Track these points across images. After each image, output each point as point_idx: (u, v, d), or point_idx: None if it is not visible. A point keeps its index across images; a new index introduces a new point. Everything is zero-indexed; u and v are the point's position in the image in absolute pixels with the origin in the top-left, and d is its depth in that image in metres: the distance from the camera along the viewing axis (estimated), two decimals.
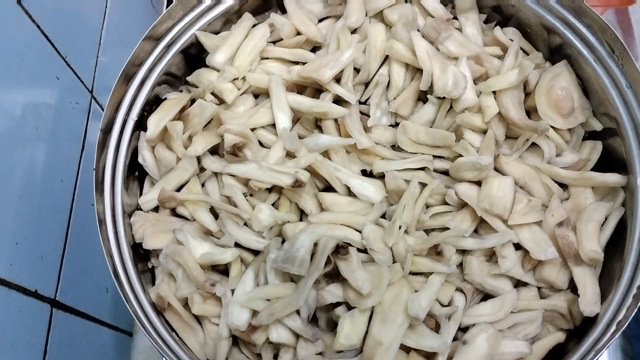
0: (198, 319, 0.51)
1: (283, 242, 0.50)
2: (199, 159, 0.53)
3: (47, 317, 0.52)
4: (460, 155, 0.51)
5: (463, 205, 0.51)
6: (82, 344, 0.58)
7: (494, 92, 0.53)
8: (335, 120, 0.53)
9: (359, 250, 0.48)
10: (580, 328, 0.50)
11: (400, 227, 0.48)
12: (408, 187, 0.50)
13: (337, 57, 0.53)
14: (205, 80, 0.55)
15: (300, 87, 0.55)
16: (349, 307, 0.47)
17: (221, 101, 0.55)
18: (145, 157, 0.53)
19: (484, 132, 0.52)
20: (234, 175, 0.52)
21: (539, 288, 0.51)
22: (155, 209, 0.54)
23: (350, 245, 0.46)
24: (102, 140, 0.51)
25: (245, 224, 0.51)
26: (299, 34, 0.56)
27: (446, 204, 0.52)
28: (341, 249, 0.46)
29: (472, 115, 0.52)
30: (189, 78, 0.57)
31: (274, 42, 0.57)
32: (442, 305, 0.48)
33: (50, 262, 0.53)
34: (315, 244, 0.47)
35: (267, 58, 0.57)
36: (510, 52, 0.53)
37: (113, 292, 0.65)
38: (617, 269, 0.49)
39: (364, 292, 0.45)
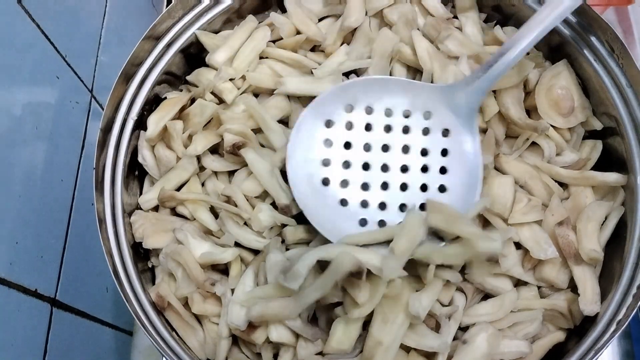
0: (198, 318, 0.51)
1: (283, 241, 0.50)
2: (199, 158, 0.53)
3: (47, 316, 0.52)
4: None
5: None
6: (82, 343, 0.58)
7: (494, 92, 0.53)
8: None
9: None
10: (580, 327, 0.50)
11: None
12: None
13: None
14: (205, 80, 0.55)
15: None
16: None
17: (221, 100, 0.55)
18: (145, 157, 0.53)
19: (484, 131, 0.52)
20: (231, 173, 0.53)
21: (538, 287, 0.51)
22: (155, 209, 0.54)
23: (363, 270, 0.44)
24: (102, 140, 0.51)
25: (245, 223, 0.51)
26: (298, 33, 0.56)
27: None
28: (355, 273, 0.44)
29: None
30: (188, 77, 0.57)
31: (273, 41, 0.57)
32: (443, 305, 0.48)
33: (50, 262, 0.53)
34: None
35: (266, 57, 0.57)
36: None
37: (113, 291, 0.65)
38: (617, 268, 0.49)
39: (359, 301, 0.44)
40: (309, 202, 0.46)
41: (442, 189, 0.47)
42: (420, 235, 0.44)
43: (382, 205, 0.47)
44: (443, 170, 0.47)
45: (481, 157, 0.46)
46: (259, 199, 0.51)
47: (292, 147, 0.47)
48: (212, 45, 0.56)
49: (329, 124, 0.47)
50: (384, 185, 0.47)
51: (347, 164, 0.47)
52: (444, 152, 0.47)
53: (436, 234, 0.45)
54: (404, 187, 0.47)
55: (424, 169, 0.47)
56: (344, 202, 0.47)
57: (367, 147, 0.47)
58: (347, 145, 0.47)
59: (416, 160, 0.47)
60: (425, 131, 0.47)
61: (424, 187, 0.47)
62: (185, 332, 0.50)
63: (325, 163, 0.47)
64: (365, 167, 0.47)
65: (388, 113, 0.47)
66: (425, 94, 0.47)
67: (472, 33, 0.56)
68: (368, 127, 0.47)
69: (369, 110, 0.47)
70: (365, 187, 0.47)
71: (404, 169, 0.47)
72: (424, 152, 0.47)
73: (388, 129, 0.47)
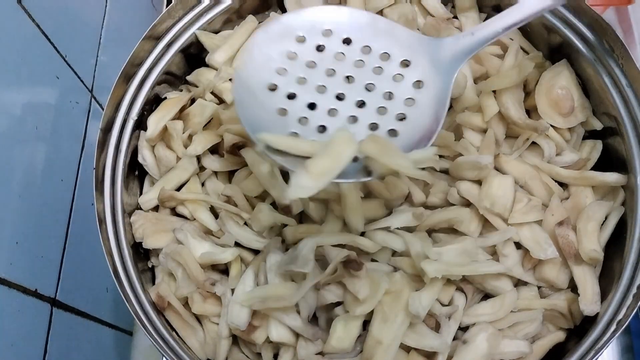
0: (198, 318, 0.51)
1: (283, 242, 0.50)
2: (199, 158, 0.53)
3: (47, 316, 0.52)
4: (460, 154, 0.51)
5: (465, 204, 0.51)
6: (82, 343, 0.58)
7: (494, 92, 0.53)
8: None
9: (362, 251, 0.48)
10: (580, 327, 0.50)
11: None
12: None
13: None
14: (205, 80, 0.55)
15: None
16: None
17: (221, 100, 0.55)
18: (145, 157, 0.53)
19: (484, 131, 0.52)
20: (231, 173, 0.53)
21: (539, 287, 0.51)
22: (155, 209, 0.54)
23: (362, 262, 0.46)
24: (102, 140, 0.51)
25: (245, 223, 0.51)
26: None
27: (449, 203, 0.51)
28: (354, 263, 0.45)
29: (472, 114, 0.52)
30: (188, 77, 0.57)
31: None
32: (443, 305, 0.48)
33: (51, 262, 0.53)
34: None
35: None
36: (511, 51, 0.53)
37: (113, 291, 0.65)
38: (617, 268, 0.49)
39: (360, 297, 0.45)
40: (246, 99, 0.42)
41: (392, 133, 0.43)
42: (345, 156, 0.38)
43: (322, 129, 0.42)
44: (400, 118, 0.43)
45: (443, 119, 0.43)
46: (259, 199, 0.51)
47: (253, 40, 0.44)
48: (212, 45, 0.56)
49: (301, 38, 0.44)
50: (332, 112, 0.43)
51: (302, 80, 0.43)
52: (409, 103, 0.44)
53: (366, 170, 0.41)
54: (353, 119, 0.43)
55: (381, 110, 0.43)
56: (282, 112, 0.42)
57: (329, 73, 0.43)
58: (310, 65, 0.44)
59: (376, 100, 0.43)
60: (397, 78, 0.44)
61: (374, 127, 0.43)
62: (185, 332, 0.50)
63: (280, 72, 0.43)
64: (320, 90, 0.43)
65: (365, 50, 0.44)
66: (410, 42, 0.44)
67: None
68: (339, 56, 0.44)
69: (347, 41, 0.44)
70: (312, 106, 0.43)
71: (361, 104, 0.43)
72: (388, 96, 0.43)
73: (360, 64, 0.44)
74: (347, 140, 0.39)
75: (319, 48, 0.44)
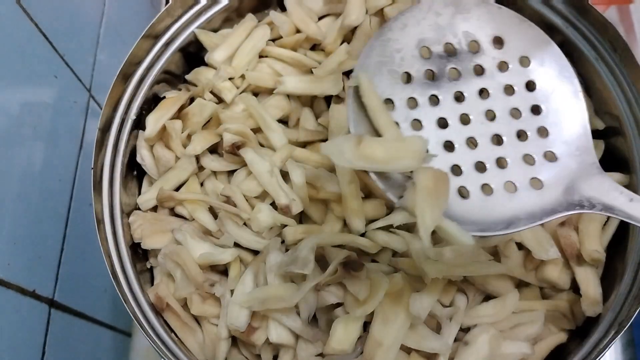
0: (197, 319, 0.51)
1: (282, 242, 0.50)
2: (198, 158, 0.53)
3: (45, 317, 0.51)
4: None
5: None
6: (80, 345, 0.58)
7: None
8: None
9: (362, 252, 0.48)
10: (582, 328, 0.50)
11: None
12: None
13: None
14: (204, 79, 0.55)
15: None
16: None
17: (220, 100, 0.55)
18: (144, 156, 0.53)
19: None
20: (231, 173, 0.53)
21: (540, 288, 0.51)
22: (154, 209, 0.53)
23: (362, 263, 0.45)
24: (100, 139, 0.50)
25: (244, 223, 0.51)
26: (298, 31, 0.56)
27: None
28: (354, 264, 0.45)
29: None
30: (187, 76, 0.57)
31: (273, 40, 0.57)
32: (444, 306, 0.48)
33: (48, 262, 0.53)
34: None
35: (266, 56, 0.56)
36: None
37: (111, 292, 0.64)
38: (619, 269, 0.49)
39: (361, 298, 0.44)
40: (381, 46, 0.38)
41: (463, 191, 0.38)
42: (399, 165, 0.35)
43: (418, 124, 0.38)
44: (487, 191, 0.38)
45: (514, 231, 0.37)
46: (259, 199, 0.51)
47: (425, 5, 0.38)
48: (211, 44, 0.55)
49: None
50: (442, 122, 0.38)
51: (454, 72, 0.38)
52: (510, 188, 0.38)
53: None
54: (449, 146, 0.38)
55: (479, 166, 0.39)
56: (406, 79, 0.38)
57: (483, 94, 0.39)
58: (475, 71, 0.38)
59: (484, 154, 0.38)
60: (528, 160, 0.38)
61: (456, 170, 0.38)
62: (184, 333, 0.50)
63: (439, 42, 0.38)
64: (458, 96, 0.38)
65: (535, 110, 0.38)
66: (579, 138, 0.39)
67: None
68: (501, 92, 0.38)
69: (531, 86, 0.39)
70: (433, 101, 0.38)
71: (470, 143, 0.38)
72: (500, 164, 0.38)
73: (516, 114, 0.38)
74: (416, 153, 0.35)
75: (502, 68, 0.39)
